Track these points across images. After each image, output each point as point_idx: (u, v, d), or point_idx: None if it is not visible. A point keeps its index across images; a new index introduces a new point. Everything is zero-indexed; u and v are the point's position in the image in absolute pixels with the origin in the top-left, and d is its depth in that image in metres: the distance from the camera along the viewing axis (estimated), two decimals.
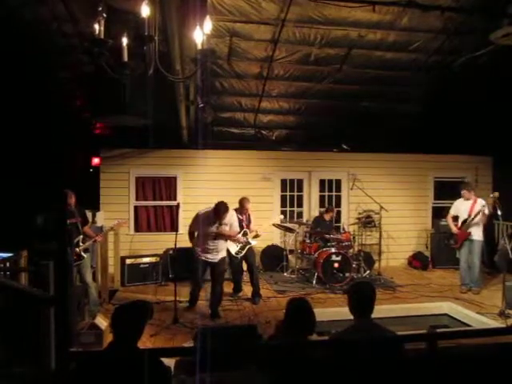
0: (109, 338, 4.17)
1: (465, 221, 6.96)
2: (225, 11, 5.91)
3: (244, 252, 6.76)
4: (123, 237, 7.98)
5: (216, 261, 6.01)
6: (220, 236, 5.98)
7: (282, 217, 8.52)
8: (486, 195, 7.13)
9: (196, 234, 6.03)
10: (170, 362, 3.07)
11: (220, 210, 5.78)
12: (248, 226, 6.92)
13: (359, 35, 6.59)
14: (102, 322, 4.71)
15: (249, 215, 7.03)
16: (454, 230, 7.10)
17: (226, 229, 6.01)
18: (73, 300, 4.91)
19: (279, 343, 2.85)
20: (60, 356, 2.13)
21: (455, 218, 7.22)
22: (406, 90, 8.20)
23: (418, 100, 8.53)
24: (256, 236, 7.05)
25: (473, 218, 6.83)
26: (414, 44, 6.85)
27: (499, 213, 6.18)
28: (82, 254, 5.61)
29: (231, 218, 6.08)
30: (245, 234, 6.80)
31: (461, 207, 7.17)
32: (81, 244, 5.58)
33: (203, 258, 5.95)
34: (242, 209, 6.88)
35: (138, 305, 2.92)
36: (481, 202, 6.93)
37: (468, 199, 7.09)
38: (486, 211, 6.80)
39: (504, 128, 8.09)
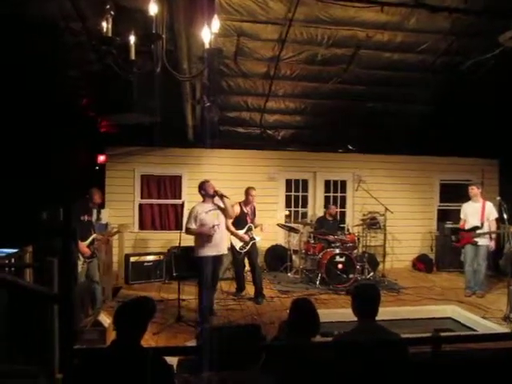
0: (112, 335, 4.19)
1: (475, 228, 6.90)
2: (232, 11, 5.89)
3: (248, 247, 6.72)
4: (127, 234, 8.00)
5: (221, 253, 5.81)
6: (222, 213, 5.79)
7: (287, 212, 8.48)
8: (492, 198, 7.08)
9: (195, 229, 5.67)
10: (172, 360, 3.08)
11: (200, 186, 5.81)
12: (252, 221, 6.89)
13: (367, 36, 6.55)
14: (105, 320, 4.72)
15: (254, 208, 6.98)
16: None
17: (222, 206, 5.79)
18: (76, 297, 4.93)
19: (283, 344, 2.84)
20: (64, 353, 2.14)
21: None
22: (413, 91, 8.16)
23: (424, 101, 8.48)
24: (259, 228, 6.99)
25: (484, 232, 6.80)
26: (422, 45, 6.80)
27: (505, 216, 6.14)
28: (95, 252, 5.64)
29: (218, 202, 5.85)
30: (249, 229, 6.77)
31: (467, 208, 7.13)
32: (95, 242, 5.62)
33: (212, 254, 5.64)
34: (246, 199, 6.83)
35: (140, 302, 2.91)
36: (490, 207, 6.87)
37: (475, 197, 7.02)
38: (494, 226, 6.80)
39: (511, 131, 8.04)
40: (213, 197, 5.78)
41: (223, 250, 5.89)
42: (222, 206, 5.82)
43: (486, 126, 8.22)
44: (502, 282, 7.32)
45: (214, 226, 5.66)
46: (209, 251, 5.66)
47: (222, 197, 5.75)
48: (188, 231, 5.71)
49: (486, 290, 7.04)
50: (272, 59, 7.11)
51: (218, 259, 5.81)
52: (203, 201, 5.83)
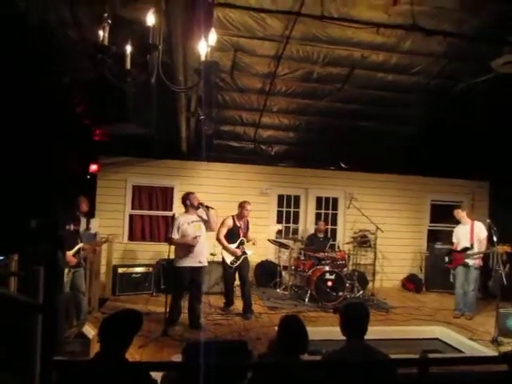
0: (96, 347, 4.10)
1: (466, 249, 6.92)
2: (230, 26, 5.95)
3: (239, 262, 6.65)
4: (116, 245, 7.92)
5: (202, 265, 5.95)
6: (205, 225, 5.94)
7: (279, 227, 8.38)
8: (482, 220, 7.13)
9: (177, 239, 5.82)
10: (156, 375, 3.02)
11: (186, 197, 5.92)
12: (245, 235, 6.81)
13: (362, 56, 6.64)
14: (90, 331, 4.63)
15: (247, 222, 6.89)
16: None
17: (205, 218, 5.92)
18: (61, 307, 4.84)
19: (271, 362, 2.80)
20: (44, 365, 2.08)
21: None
22: (406, 111, 8.25)
23: (417, 122, 8.58)
24: (252, 242, 6.93)
25: (475, 253, 6.82)
26: (416, 67, 6.90)
27: (495, 239, 6.17)
28: (82, 261, 5.55)
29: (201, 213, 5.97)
30: (241, 244, 6.68)
31: (459, 231, 7.17)
32: (82, 252, 5.53)
33: (191, 265, 5.79)
34: (241, 213, 6.73)
35: (127, 315, 2.87)
36: (478, 226, 6.90)
37: (463, 219, 7.07)
38: (484, 245, 6.83)
39: (502, 154, 8.13)
40: (197, 208, 5.88)
41: (203, 261, 5.96)
42: (204, 217, 5.91)
43: (476, 148, 8.32)
44: (491, 304, 7.31)
45: (196, 237, 5.78)
46: (188, 262, 5.79)
47: (207, 208, 5.84)
48: (171, 241, 5.78)
49: (475, 312, 7.03)
50: (268, 75, 7.17)
51: (197, 270, 5.89)
52: (186, 211, 5.94)
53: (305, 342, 2.83)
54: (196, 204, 5.85)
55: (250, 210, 6.78)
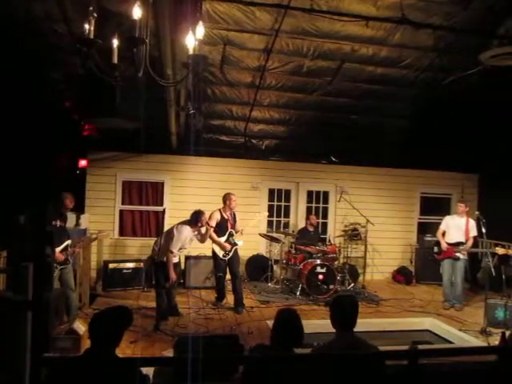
0: (86, 343, 4.08)
1: (459, 243, 6.95)
2: (219, 19, 5.92)
3: (231, 254, 6.68)
4: (107, 240, 7.87)
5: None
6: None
7: (266, 213, 8.57)
8: (471, 213, 7.17)
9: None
10: (148, 370, 3.02)
11: (199, 216, 6.16)
12: (233, 226, 6.82)
13: (352, 49, 6.65)
14: (80, 327, 4.61)
15: (234, 214, 6.91)
16: (444, 246, 7.03)
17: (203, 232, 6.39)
18: (51, 303, 4.80)
19: (263, 356, 2.81)
20: (34, 362, 2.07)
21: (444, 233, 7.20)
22: (396, 105, 8.28)
23: (407, 115, 8.61)
24: (240, 232, 6.96)
25: (467, 249, 6.86)
26: (405, 60, 6.92)
27: (483, 231, 6.22)
28: (69, 258, 5.51)
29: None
30: (230, 235, 6.72)
31: (451, 222, 7.18)
32: (69, 249, 5.48)
33: (175, 261, 6.10)
34: (228, 205, 6.76)
35: (116, 311, 2.86)
36: (472, 224, 6.92)
37: (462, 214, 7.09)
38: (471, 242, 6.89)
39: (491, 146, 8.20)
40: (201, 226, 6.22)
41: None
42: (202, 232, 6.28)
43: (465, 141, 8.37)
44: (480, 295, 7.40)
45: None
46: (175, 259, 6.12)
47: (210, 226, 6.39)
48: (171, 254, 5.89)
49: (464, 303, 7.11)
50: (258, 69, 7.15)
51: (177, 264, 6.28)
52: (189, 224, 6.06)
53: (300, 334, 2.85)
54: (204, 224, 6.17)
55: (235, 201, 6.82)
